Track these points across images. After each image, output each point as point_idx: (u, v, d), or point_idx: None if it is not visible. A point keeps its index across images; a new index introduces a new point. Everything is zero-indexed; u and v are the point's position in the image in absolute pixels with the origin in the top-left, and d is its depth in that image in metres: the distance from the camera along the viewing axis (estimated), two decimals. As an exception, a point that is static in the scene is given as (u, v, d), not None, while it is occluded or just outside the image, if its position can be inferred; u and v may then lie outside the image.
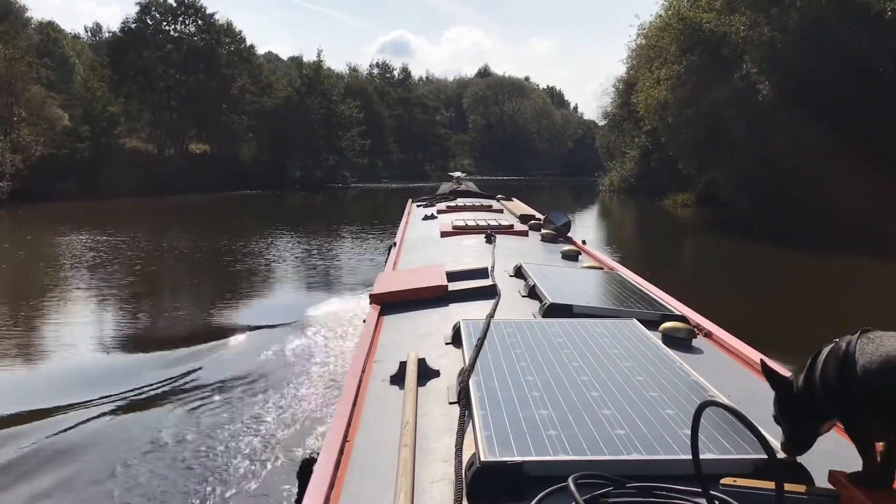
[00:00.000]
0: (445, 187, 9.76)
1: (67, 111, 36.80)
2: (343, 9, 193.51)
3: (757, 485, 1.27)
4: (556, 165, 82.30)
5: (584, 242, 5.39)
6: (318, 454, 1.64)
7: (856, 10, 17.71)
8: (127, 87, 40.91)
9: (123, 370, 6.53)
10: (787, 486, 1.20)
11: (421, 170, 65.81)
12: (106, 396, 5.68)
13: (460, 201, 8.19)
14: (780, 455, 1.38)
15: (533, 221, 6.13)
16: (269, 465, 4.31)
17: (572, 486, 1.19)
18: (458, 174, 10.33)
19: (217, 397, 5.58)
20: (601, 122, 50.92)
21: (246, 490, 4.02)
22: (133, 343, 7.76)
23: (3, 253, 14.85)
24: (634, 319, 2.53)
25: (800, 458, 1.39)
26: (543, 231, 5.54)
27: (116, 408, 5.46)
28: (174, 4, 43.67)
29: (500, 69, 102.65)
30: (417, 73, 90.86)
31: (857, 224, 15.62)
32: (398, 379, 2.06)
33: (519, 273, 3.62)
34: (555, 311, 2.75)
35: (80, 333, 8.25)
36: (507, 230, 5.54)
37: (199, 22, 44.41)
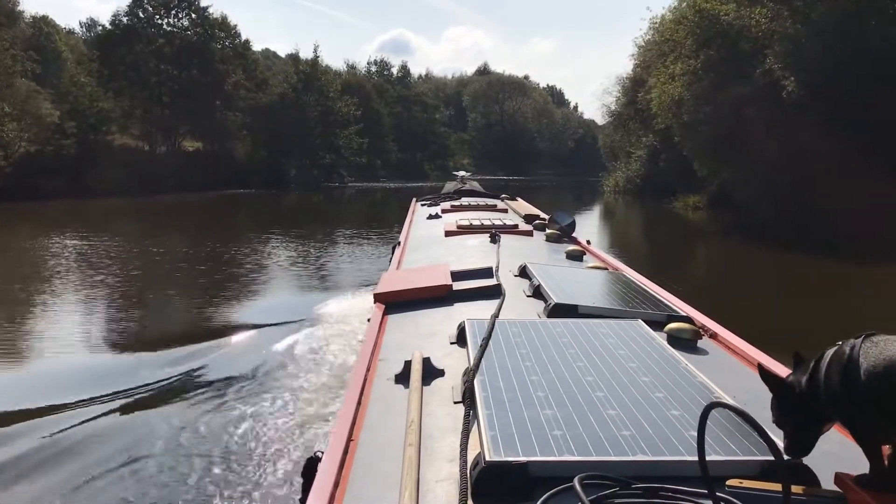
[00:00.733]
0: (450, 186, 9.84)
1: (57, 107, 35.92)
2: (342, 8, 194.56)
3: (763, 487, 1.29)
4: (557, 165, 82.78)
5: (588, 242, 5.44)
6: (322, 453, 1.68)
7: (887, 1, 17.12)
8: (117, 83, 40.62)
9: (125, 369, 6.62)
10: (794, 489, 1.22)
11: (419, 169, 65.37)
12: (110, 394, 5.77)
13: (465, 200, 8.27)
14: (787, 457, 1.39)
15: (538, 221, 6.19)
16: (273, 464, 4.37)
17: (578, 487, 1.21)
18: (462, 173, 10.40)
19: (220, 395, 5.65)
20: (603, 122, 51.25)
21: (251, 488, 4.07)
22: (135, 343, 7.82)
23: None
24: (640, 320, 2.56)
25: (806, 461, 1.41)
26: (548, 231, 5.60)
27: (121, 405, 5.55)
28: (167, -3, 43.74)
29: (499, 69, 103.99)
30: (417, 71, 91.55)
31: (884, 231, 14.95)
32: (403, 378, 2.09)
33: (524, 273, 3.66)
34: (560, 311, 2.79)
35: (79, 333, 8.32)
36: (512, 230, 5.60)
37: (193, 16, 44.24)
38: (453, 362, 2.22)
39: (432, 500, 1.38)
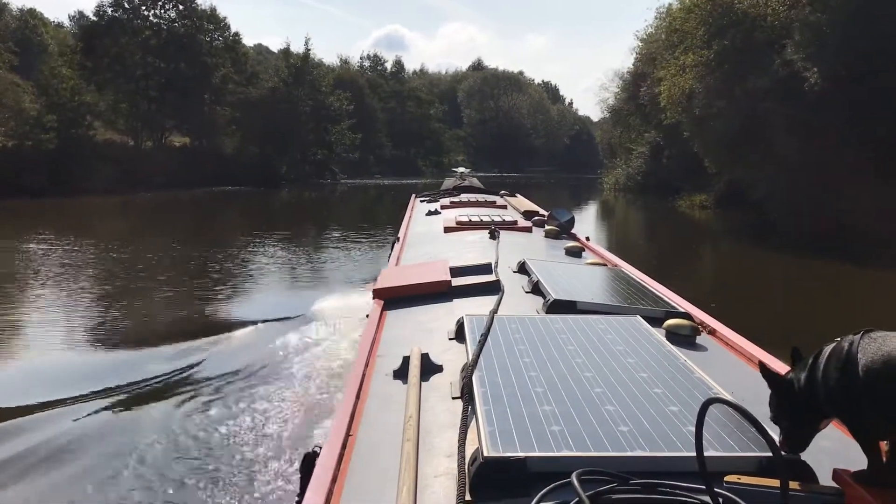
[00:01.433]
0: (449, 183, 9.90)
1: (36, 100, 34.17)
2: (337, 3, 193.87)
3: (761, 483, 1.32)
4: (552, 162, 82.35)
5: (587, 239, 5.49)
6: (321, 448, 1.70)
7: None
8: (101, 76, 39.77)
9: (125, 364, 6.74)
10: (792, 484, 1.25)
11: (414, 166, 64.90)
12: (111, 388, 5.89)
13: (464, 197, 8.34)
14: (785, 453, 1.42)
15: (537, 217, 6.24)
16: (271, 458, 4.43)
17: (576, 483, 1.23)
18: (461, 170, 10.46)
19: (218, 392, 5.72)
20: (598, 119, 51.53)
21: (248, 483, 4.13)
22: (130, 340, 7.91)
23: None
24: (638, 316, 2.60)
25: (804, 457, 1.44)
26: (547, 227, 5.65)
27: (119, 400, 5.64)
28: (155, -12, 42.99)
29: (493, 64, 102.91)
30: (411, 67, 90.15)
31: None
32: (401, 374, 2.13)
33: (523, 269, 3.70)
34: (558, 307, 2.83)
35: (75, 331, 8.41)
36: (511, 226, 5.66)
37: (181, 7, 43.50)
38: (452, 358, 2.26)
39: (431, 496, 1.41)
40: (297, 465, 2.12)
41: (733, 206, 23.22)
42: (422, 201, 8.36)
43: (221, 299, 10.36)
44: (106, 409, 5.50)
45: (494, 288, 3.23)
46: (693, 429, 1.31)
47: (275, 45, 61.95)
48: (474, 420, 1.63)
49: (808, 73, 17.73)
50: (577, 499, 1.21)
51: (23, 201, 25.10)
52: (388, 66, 74.50)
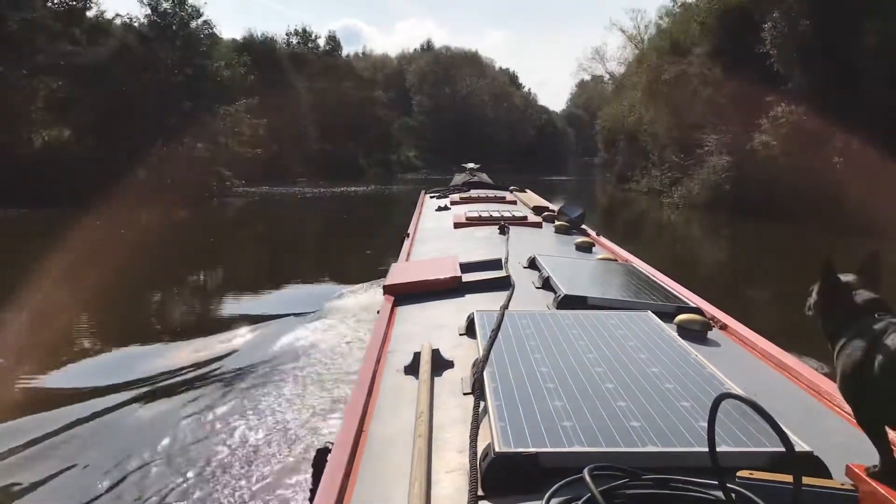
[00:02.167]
0: (458, 178, 9.87)
1: None
2: (288, 3, 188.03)
3: (774, 478, 1.29)
4: (516, 158, 66.17)
5: (597, 234, 5.43)
6: (332, 444, 1.69)
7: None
8: None
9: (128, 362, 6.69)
10: (805, 480, 1.22)
11: (353, 165, 46.20)
12: (139, 380, 5.94)
13: (473, 192, 8.30)
14: (798, 448, 1.40)
15: (547, 213, 6.19)
16: (283, 454, 4.43)
17: (588, 478, 1.21)
18: (471, 165, 10.45)
19: (228, 389, 5.72)
20: (562, 109, 44.00)
21: (261, 478, 4.13)
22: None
23: None
24: (649, 311, 2.57)
25: (817, 452, 1.42)
26: (557, 222, 5.59)
27: (133, 396, 5.66)
28: None
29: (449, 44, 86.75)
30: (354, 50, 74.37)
31: None
32: (412, 369, 2.10)
33: (533, 264, 3.67)
34: (569, 302, 2.80)
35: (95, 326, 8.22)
36: (521, 221, 5.62)
37: None
38: (463, 354, 2.23)
39: (442, 491, 1.39)
40: (309, 460, 2.09)
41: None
42: (431, 197, 8.35)
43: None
44: (117, 406, 5.51)
45: (505, 284, 3.20)
46: (705, 424, 1.29)
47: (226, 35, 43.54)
48: (486, 416, 1.61)
49: None
50: (588, 494, 1.19)
51: None
52: (322, 42, 55.82)
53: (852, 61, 18.11)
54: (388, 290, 3.28)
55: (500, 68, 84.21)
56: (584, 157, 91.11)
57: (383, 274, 3.90)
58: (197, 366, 6.51)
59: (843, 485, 1.33)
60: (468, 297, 3.11)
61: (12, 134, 24.87)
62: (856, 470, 1.36)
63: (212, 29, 32.88)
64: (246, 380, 5.96)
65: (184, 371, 6.37)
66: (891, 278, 1.57)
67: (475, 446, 1.47)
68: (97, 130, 27.15)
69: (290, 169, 39.41)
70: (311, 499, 1.63)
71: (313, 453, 1.98)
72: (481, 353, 2.01)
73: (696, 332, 2.46)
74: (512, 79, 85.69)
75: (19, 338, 8.21)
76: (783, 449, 1.17)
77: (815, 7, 18.85)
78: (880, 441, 1.35)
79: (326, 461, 1.59)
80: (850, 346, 1.37)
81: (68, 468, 4.41)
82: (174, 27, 31.00)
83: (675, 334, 2.31)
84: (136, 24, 30.45)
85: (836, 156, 17.53)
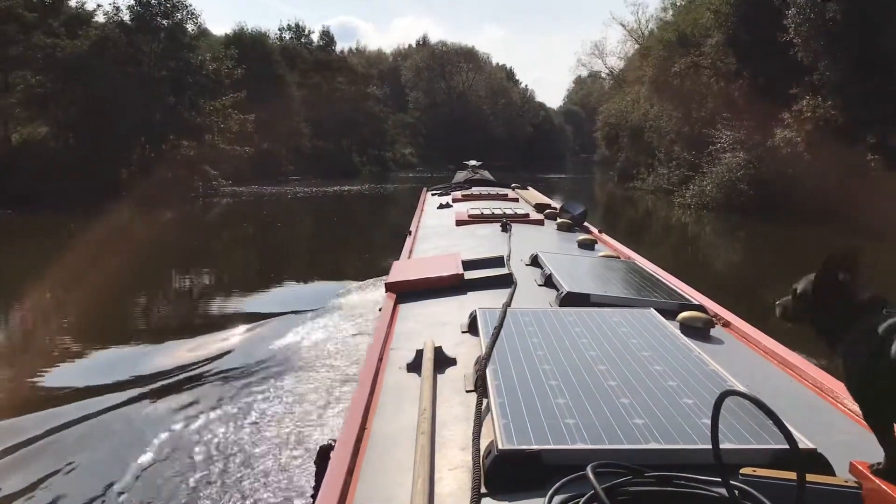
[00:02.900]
0: (460, 176, 9.89)
1: None
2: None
3: (777, 475, 1.30)
4: (513, 154, 64.57)
5: (600, 231, 5.46)
6: (335, 441, 1.70)
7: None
8: None
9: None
10: (808, 477, 1.22)
11: (346, 162, 45.98)
12: (115, 384, 5.96)
13: (475, 190, 8.33)
14: (802, 445, 1.40)
15: (549, 210, 6.21)
16: (286, 452, 4.46)
17: (591, 475, 1.22)
18: (473, 162, 10.48)
19: (230, 386, 5.78)
20: (558, 107, 42.77)
21: (263, 476, 4.15)
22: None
23: None
24: (652, 309, 2.57)
25: (821, 449, 1.42)
26: (559, 220, 5.62)
27: (134, 395, 5.72)
28: None
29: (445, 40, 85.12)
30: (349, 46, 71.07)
31: None
32: (415, 367, 2.11)
33: (535, 262, 3.68)
34: (571, 300, 2.81)
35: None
36: (523, 219, 5.63)
37: None
38: (465, 351, 2.24)
39: (445, 488, 1.40)
40: (312, 457, 2.11)
41: None
42: (433, 194, 8.37)
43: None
44: (117, 405, 5.56)
45: (507, 281, 3.21)
46: (708, 421, 1.29)
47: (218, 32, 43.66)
48: (488, 413, 1.62)
49: None
50: (592, 492, 1.20)
51: None
52: (315, 37, 54.34)
53: (886, 49, 16.82)
54: (390, 287, 3.30)
55: (497, 64, 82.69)
56: (581, 154, 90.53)
57: (384, 272, 3.92)
58: (197, 364, 6.54)
59: (846, 482, 1.33)
60: (470, 294, 3.13)
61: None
62: (860, 467, 1.36)
63: (198, 20, 31.44)
64: (247, 378, 6.00)
65: (184, 369, 6.40)
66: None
67: (478, 443, 1.47)
68: (77, 127, 26.18)
69: (281, 167, 38.79)
70: (314, 496, 1.65)
71: (316, 451, 1.99)
72: (484, 350, 2.02)
73: (699, 330, 2.47)
74: (509, 74, 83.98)
75: (12, 339, 8.27)
76: (787, 446, 1.17)
77: (845, -10, 17.31)
78: (886, 439, 1.35)
79: (329, 458, 1.61)
80: (857, 343, 1.37)
81: (64, 468, 4.44)
82: (158, 18, 29.63)
83: (678, 331, 2.32)
84: (118, 16, 29.25)
85: (869, 153, 16.44)
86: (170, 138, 28.54)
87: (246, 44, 40.52)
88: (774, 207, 18.19)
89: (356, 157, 48.70)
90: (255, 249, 16.57)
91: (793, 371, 2.17)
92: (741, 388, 1.68)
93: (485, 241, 4.65)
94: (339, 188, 31.38)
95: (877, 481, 1.31)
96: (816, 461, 1.39)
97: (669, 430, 1.51)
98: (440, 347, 2.19)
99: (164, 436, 4.80)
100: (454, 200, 7.39)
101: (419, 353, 2.15)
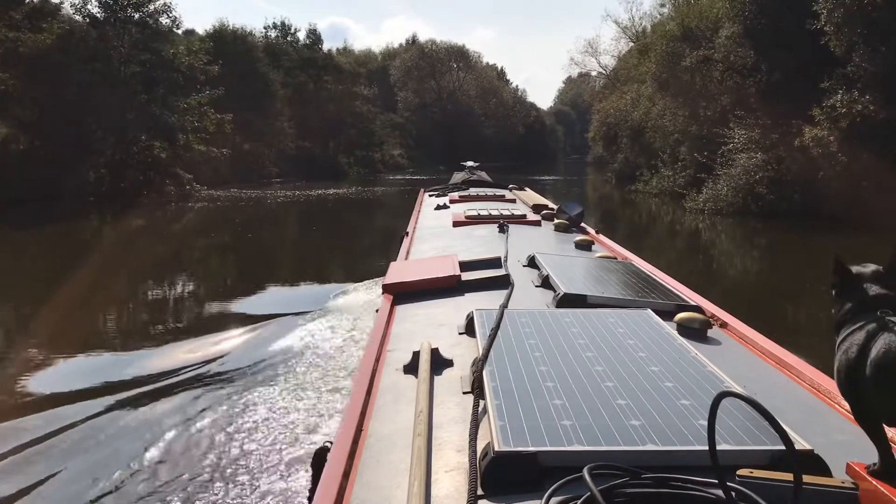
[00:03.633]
0: (458, 177, 9.94)
1: None
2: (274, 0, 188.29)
3: (774, 476, 1.31)
4: (504, 155, 64.47)
5: (597, 232, 5.50)
6: (332, 443, 1.71)
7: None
8: None
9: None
10: (805, 478, 1.23)
11: (333, 164, 44.60)
12: (111, 387, 6.01)
13: (472, 191, 8.38)
14: (798, 446, 1.42)
15: (546, 211, 6.25)
16: (282, 453, 4.48)
17: (587, 477, 1.23)
18: (470, 163, 10.53)
19: (225, 388, 5.82)
20: (547, 108, 42.33)
21: (260, 478, 4.17)
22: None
23: None
24: (649, 310, 2.59)
25: (817, 451, 1.43)
26: (557, 221, 5.65)
27: (129, 398, 5.76)
28: None
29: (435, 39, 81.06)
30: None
31: None
32: (412, 368, 2.13)
33: (532, 263, 3.71)
34: (568, 301, 2.83)
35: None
36: (520, 220, 5.68)
37: None
38: (462, 353, 2.25)
39: (441, 491, 1.41)
40: (309, 459, 2.13)
41: None
42: (430, 195, 8.42)
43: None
44: (122, 404, 5.60)
45: (504, 282, 3.23)
46: (705, 422, 1.31)
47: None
48: (485, 415, 1.63)
49: None
50: (588, 493, 1.20)
51: None
52: (302, 35, 52.72)
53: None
54: (387, 288, 3.32)
55: (488, 63, 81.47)
56: (571, 155, 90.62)
57: (379, 274, 3.94)
58: (190, 368, 6.56)
59: (843, 483, 1.34)
60: (467, 295, 3.15)
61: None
62: (856, 468, 1.38)
63: (172, 13, 29.44)
64: (243, 380, 6.03)
65: (179, 372, 6.43)
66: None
67: (475, 445, 1.49)
68: (40, 127, 24.49)
69: (264, 169, 37.54)
70: (311, 498, 1.67)
71: (313, 452, 2.01)
72: (481, 351, 2.03)
73: (696, 331, 2.49)
74: (500, 74, 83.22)
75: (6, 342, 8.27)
76: (783, 447, 1.18)
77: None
78: (879, 439, 1.37)
79: (326, 460, 1.62)
80: (847, 341, 1.39)
81: (59, 471, 4.47)
82: (129, 10, 27.90)
83: (675, 332, 2.33)
84: (86, 7, 27.54)
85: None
86: (141, 139, 26.95)
87: (227, 40, 39.23)
88: (800, 213, 17.15)
89: (343, 159, 47.64)
90: (218, 262, 15.49)
91: (790, 372, 2.18)
92: (738, 390, 1.69)
93: (482, 242, 4.68)
94: (322, 191, 30.30)
95: (873, 482, 1.33)
96: (813, 462, 1.40)
97: (666, 431, 1.52)
98: (437, 349, 2.20)
99: (160, 439, 4.82)
100: (451, 201, 7.43)
101: (416, 355, 2.16)
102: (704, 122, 23.44)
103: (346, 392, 5.26)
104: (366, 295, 8.71)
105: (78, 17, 27.14)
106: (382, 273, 3.75)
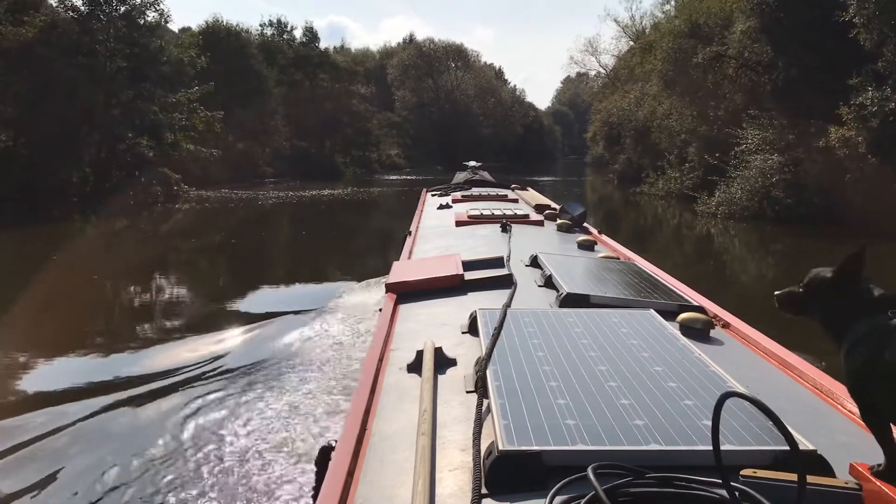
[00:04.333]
0: (460, 176, 10.02)
1: None
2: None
3: (778, 476, 1.33)
4: (502, 156, 63.87)
5: (600, 232, 5.56)
6: (336, 442, 1.73)
7: None
8: None
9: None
10: (809, 478, 1.24)
11: (329, 164, 44.36)
12: (112, 385, 6.09)
13: (475, 191, 8.45)
14: (802, 447, 1.43)
15: (549, 211, 6.30)
16: (286, 453, 4.52)
17: (592, 476, 1.24)
18: (472, 163, 10.60)
19: (228, 387, 5.87)
20: (545, 108, 41.96)
21: (263, 478, 4.20)
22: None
23: None
24: (652, 310, 2.61)
25: (821, 451, 1.45)
26: (559, 221, 5.70)
27: (132, 396, 5.84)
28: None
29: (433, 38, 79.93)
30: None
31: None
32: (415, 368, 2.15)
33: (535, 263, 3.75)
34: (571, 301, 2.86)
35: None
36: (523, 220, 5.73)
37: None
38: (465, 352, 2.28)
39: (445, 490, 1.43)
40: (313, 458, 2.17)
41: None
42: (433, 195, 8.48)
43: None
44: (123, 403, 5.66)
45: (507, 282, 3.26)
46: (708, 422, 1.32)
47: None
48: (489, 414, 1.64)
49: None
50: (592, 493, 1.22)
51: None
52: (298, 34, 51.48)
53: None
54: (390, 288, 3.35)
55: (486, 63, 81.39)
56: (569, 155, 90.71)
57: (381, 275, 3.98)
58: (192, 366, 6.63)
59: (847, 484, 1.36)
60: (470, 295, 3.19)
61: None
62: (860, 469, 1.39)
63: (160, 6, 28.28)
64: (245, 378, 6.07)
65: (180, 371, 6.48)
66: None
67: (478, 444, 1.50)
68: (22, 125, 23.51)
69: (258, 168, 36.74)
70: (315, 497, 1.70)
71: (316, 451, 2.03)
72: (484, 351, 2.05)
73: (699, 331, 2.52)
74: (498, 73, 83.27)
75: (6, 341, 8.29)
76: (787, 447, 1.20)
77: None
78: (885, 440, 1.38)
79: (330, 459, 1.64)
80: (860, 343, 1.40)
81: (59, 470, 4.51)
82: (114, 2, 26.77)
83: (678, 333, 2.35)
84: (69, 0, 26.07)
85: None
86: (127, 137, 26.20)
87: (220, 36, 38.44)
88: (820, 218, 16.34)
89: (339, 158, 47.15)
90: (207, 265, 15.18)
91: (793, 372, 2.20)
92: (741, 390, 1.71)
93: (485, 242, 4.72)
94: (316, 192, 29.67)
95: (877, 483, 1.34)
96: (817, 463, 1.42)
97: (670, 431, 1.53)
98: (440, 348, 2.22)
99: (161, 437, 4.86)
100: (454, 201, 7.50)
101: (419, 354, 2.18)
102: (714, 121, 22.69)
103: (348, 390, 5.29)
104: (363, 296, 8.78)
105: (61, 10, 26.19)
106: (380, 274, 3.79)
